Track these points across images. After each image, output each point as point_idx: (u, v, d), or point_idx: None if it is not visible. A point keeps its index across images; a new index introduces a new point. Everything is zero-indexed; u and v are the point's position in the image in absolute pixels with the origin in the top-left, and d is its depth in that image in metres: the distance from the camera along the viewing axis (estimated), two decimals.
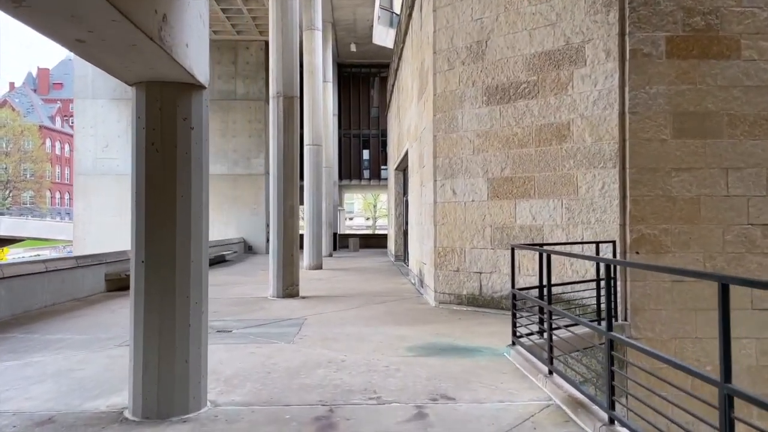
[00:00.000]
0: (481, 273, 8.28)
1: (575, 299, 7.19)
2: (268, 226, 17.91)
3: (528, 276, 7.72)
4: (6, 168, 63.04)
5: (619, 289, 6.96)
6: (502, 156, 8.09)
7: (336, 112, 30.11)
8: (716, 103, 6.98)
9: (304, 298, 9.83)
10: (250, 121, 23.76)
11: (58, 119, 77.02)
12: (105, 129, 22.46)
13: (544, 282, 5.30)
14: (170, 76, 3.70)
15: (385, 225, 38.58)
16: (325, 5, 21.19)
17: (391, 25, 23.68)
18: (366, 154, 34.00)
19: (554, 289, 5.88)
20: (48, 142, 72.47)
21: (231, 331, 6.83)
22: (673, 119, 6.98)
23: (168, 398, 3.83)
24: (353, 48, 27.26)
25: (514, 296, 5.65)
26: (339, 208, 31.69)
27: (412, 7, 11.84)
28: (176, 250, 3.85)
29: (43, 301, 8.60)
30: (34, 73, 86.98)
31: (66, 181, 72.27)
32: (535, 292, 6.08)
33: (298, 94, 10.29)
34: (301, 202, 14.93)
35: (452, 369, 5.04)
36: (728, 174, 6.97)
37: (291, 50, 10.09)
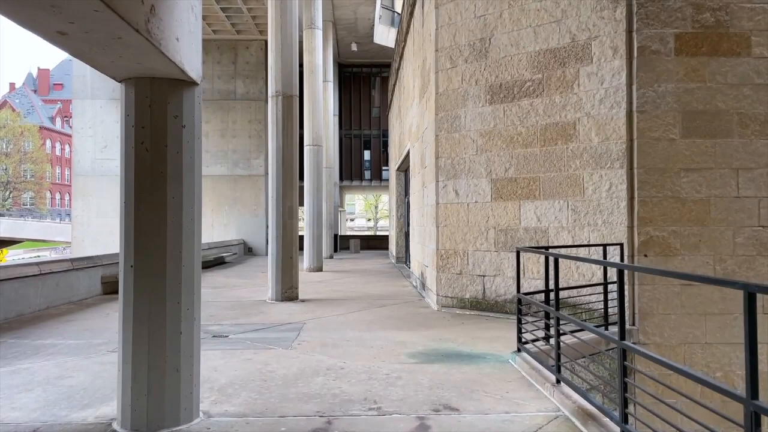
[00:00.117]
0: (484, 276, 8.10)
1: (581, 303, 7.00)
2: (268, 227, 17.77)
3: (533, 279, 7.54)
4: (6, 169, 62.96)
5: (626, 292, 6.77)
6: (506, 156, 7.91)
7: (337, 112, 29.96)
8: (726, 102, 6.80)
9: (303, 301, 9.65)
10: (250, 121, 23.60)
11: (58, 120, 76.93)
12: (104, 129, 22.31)
13: (551, 286, 5.12)
14: (160, 72, 3.52)
15: (387, 226, 38.43)
16: (326, 4, 21.03)
17: (392, 24, 23.52)
18: (367, 154, 33.82)
19: (560, 293, 5.70)
20: (48, 143, 72.41)
21: (227, 336, 6.65)
22: (682, 118, 6.79)
23: (158, 409, 3.64)
24: (354, 47, 27.09)
25: (519, 301, 5.46)
26: (340, 209, 31.55)
27: (413, 5, 11.66)
28: (167, 254, 3.67)
29: (37, 304, 8.42)
30: (35, 73, 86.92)
31: (66, 182, 72.15)
32: (541, 297, 5.90)
33: (298, 93, 10.11)
34: (301, 203, 14.77)
35: (455, 377, 4.85)
36: (739, 174, 6.78)
37: (290, 48, 9.92)
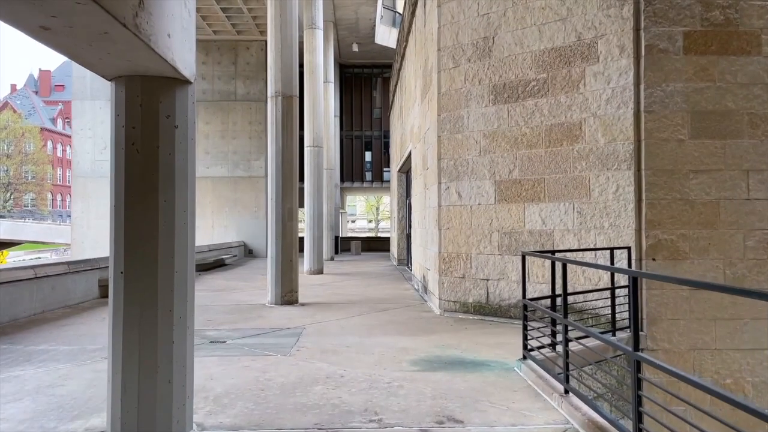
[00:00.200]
0: (488, 280, 7.93)
1: (587, 309, 6.83)
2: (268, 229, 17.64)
3: (538, 284, 7.37)
4: (7, 170, 62.92)
5: None
6: (510, 157, 7.74)
7: (338, 113, 29.80)
8: (736, 102, 6.63)
9: (303, 305, 9.49)
10: (250, 122, 23.46)
11: (59, 121, 76.88)
12: (103, 131, 22.14)
13: (557, 291, 4.95)
14: (151, 70, 3.36)
15: (388, 228, 38.25)
16: (327, 4, 20.88)
17: (393, 24, 23.37)
18: (368, 155, 33.63)
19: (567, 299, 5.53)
20: (49, 144, 72.35)
21: (225, 342, 6.49)
22: (690, 118, 6.63)
23: (149, 422, 3.48)
24: (355, 48, 26.94)
25: (525, 307, 5.29)
26: (341, 210, 31.38)
27: (415, 4, 11.50)
28: (158, 259, 3.50)
29: (32, 309, 8.27)
30: (36, 75, 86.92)
31: (67, 184, 72.04)
32: (547, 302, 5.73)
33: (298, 93, 9.95)
34: (302, 205, 14.61)
35: (459, 386, 4.68)
36: (749, 176, 6.62)
37: (290, 47, 9.76)
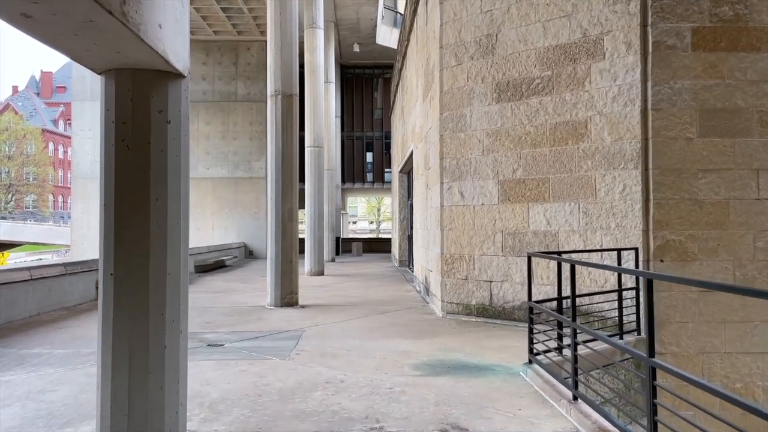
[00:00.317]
0: (491, 282, 7.77)
1: (593, 311, 6.68)
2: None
3: (542, 285, 7.21)
4: (9, 171, 62.88)
5: (641, 299, 6.44)
6: (514, 156, 7.59)
7: (339, 113, 29.66)
8: (746, 99, 6.47)
9: (303, 307, 9.33)
10: (251, 123, 23.32)
11: (61, 123, 76.87)
12: None
13: (564, 293, 4.80)
14: (142, 62, 3.21)
15: (390, 229, 38.11)
16: (328, 4, 20.75)
17: (395, 24, 23.24)
18: (369, 156, 33.47)
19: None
20: (51, 146, 72.31)
21: (223, 345, 6.34)
22: (699, 116, 6.47)
23: (140, 431, 3.33)
24: (356, 48, 26.80)
25: (531, 310, 5.13)
26: (342, 211, 31.23)
27: (417, 2, 11.36)
28: (150, 261, 3.36)
29: (28, 311, 8.13)
30: (38, 76, 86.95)
31: (68, 185, 72.01)
32: (552, 305, 5.58)
33: (298, 93, 9.81)
34: (303, 206, 14.47)
35: (463, 391, 4.53)
36: (759, 176, 6.46)
37: (290, 45, 9.62)
